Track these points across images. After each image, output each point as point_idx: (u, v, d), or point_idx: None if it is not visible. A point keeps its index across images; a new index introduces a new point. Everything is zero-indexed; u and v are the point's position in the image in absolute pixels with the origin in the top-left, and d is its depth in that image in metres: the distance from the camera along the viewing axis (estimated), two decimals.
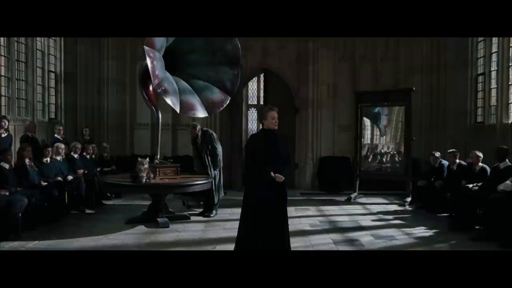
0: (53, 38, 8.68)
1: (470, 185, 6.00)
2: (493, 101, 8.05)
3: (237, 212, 6.21)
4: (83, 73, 9.26)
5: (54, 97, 8.77)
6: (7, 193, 5.03)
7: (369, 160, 9.12)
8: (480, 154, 6.26)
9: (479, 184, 5.91)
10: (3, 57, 7.03)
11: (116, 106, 9.80)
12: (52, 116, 8.71)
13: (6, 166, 5.35)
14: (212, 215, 6.46)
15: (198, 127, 6.73)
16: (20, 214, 5.05)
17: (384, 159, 9.01)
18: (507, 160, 5.70)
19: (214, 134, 6.83)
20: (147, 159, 5.77)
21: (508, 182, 5.31)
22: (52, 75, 8.72)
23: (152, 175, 5.65)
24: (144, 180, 5.50)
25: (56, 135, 7.64)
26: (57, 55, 8.79)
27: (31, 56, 7.79)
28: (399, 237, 5.34)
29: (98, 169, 7.66)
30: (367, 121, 9.10)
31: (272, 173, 3.71)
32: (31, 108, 7.84)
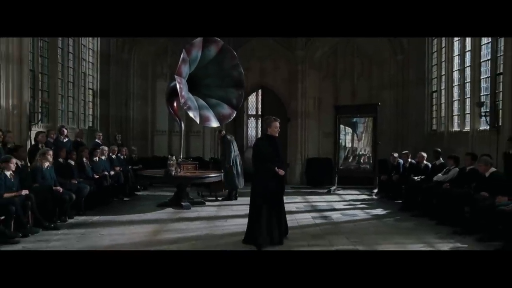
0: (91, 61, 10.37)
1: (416, 178, 7.71)
2: (443, 113, 9.77)
3: (240, 199, 7.93)
4: (114, 90, 10.96)
5: (91, 109, 10.45)
6: (76, 182, 6.70)
7: (350, 160, 10.77)
8: (424, 154, 7.97)
9: (422, 177, 7.62)
10: (59, 80, 8.70)
11: (139, 116, 11.48)
12: (90, 124, 10.38)
13: (72, 163, 7.02)
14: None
15: (223, 132, 8.45)
16: (83, 198, 6.73)
17: (362, 160, 10.66)
18: (440, 158, 7.43)
19: (229, 138, 8.40)
20: (174, 157, 7.46)
21: (439, 174, 7.01)
22: (90, 92, 10.41)
23: (178, 170, 7.34)
24: (173, 173, 7.18)
25: (96, 140, 9.27)
26: (94, 75, 10.48)
27: (77, 77, 9.49)
28: (360, 215, 7.05)
29: (129, 167, 9.31)
30: (348, 129, 10.70)
31: (276, 168, 4.75)
32: (77, 119, 9.53)
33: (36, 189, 5.60)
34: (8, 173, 5.17)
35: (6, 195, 4.99)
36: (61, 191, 5.95)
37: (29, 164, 6.30)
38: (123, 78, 11.13)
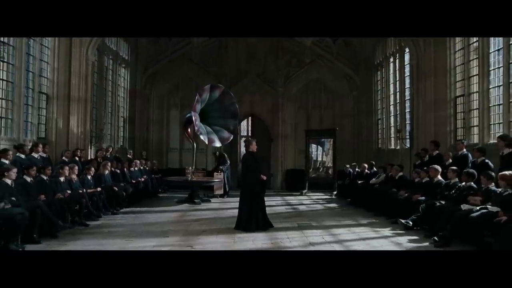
0: (122, 96, 12.81)
1: (360, 182, 10.20)
2: (384, 135, 12.39)
3: (234, 198, 10.26)
4: (138, 117, 13.38)
5: (122, 132, 12.84)
6: (122, 185, 9.04)
7: (320, 171, 13.29)
8: (366, 165, 10.52)
9: (364, 181, 10.12)
10: (103, 111, 11.12)
11: (157, 137, 13.91)
12: (121, 144, 12.76)
13: (118, 171, 9.38)
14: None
15: (217, 152, 11.02)
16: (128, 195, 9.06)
17: (329, 171, 13.19)
18: (374, 167, 9.98)
19: (225, 155, 11.06)
20: (190, 167, 9.87)
21: (373, 179, 9.51)
22: (122, 119, 12.82)
23: (193, 176, 9.75)
24: (190, 179, 9.59)
25: (128, 155, 11.64)
26: (124, 106, 12.91)
27: (114, 109, 11.92)
28: (319, 207, 9.50)
29: (153, 176, 11.65)
30: (319, 147, 13.24)
31: (261, 175, 6.28)
32: (113, 140, 11.91)
33: (102, 188, 7.95)
34: (89, 176, 7.55)
35: (89, 191, 7.35)
36: (116, 189, 8.30)
37: None
38: (145, 108, 13.62)
